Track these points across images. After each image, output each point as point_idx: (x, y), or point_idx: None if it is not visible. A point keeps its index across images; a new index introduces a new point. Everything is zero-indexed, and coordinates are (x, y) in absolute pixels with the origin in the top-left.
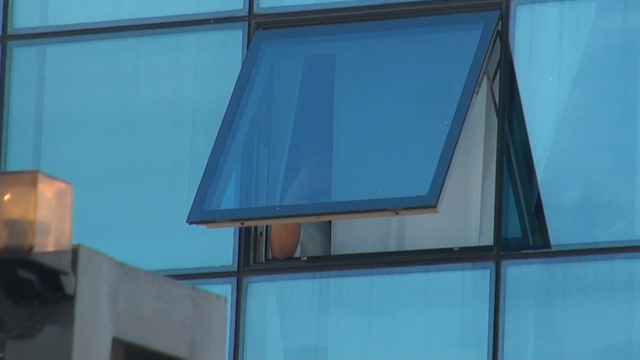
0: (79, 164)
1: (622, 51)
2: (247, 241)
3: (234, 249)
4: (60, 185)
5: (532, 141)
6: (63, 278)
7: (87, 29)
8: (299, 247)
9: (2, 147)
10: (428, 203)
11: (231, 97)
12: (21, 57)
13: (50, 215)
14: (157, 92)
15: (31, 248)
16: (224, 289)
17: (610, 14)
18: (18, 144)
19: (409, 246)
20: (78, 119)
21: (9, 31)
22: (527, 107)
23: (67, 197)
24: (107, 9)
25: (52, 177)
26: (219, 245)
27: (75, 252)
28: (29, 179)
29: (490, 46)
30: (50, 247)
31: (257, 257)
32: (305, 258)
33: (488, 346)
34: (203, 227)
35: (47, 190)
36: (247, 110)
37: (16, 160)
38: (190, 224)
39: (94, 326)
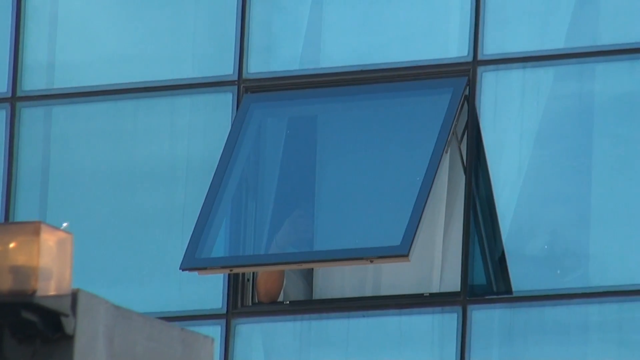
0: (81, 215)
1: (578, 114)
2: (235, 286)
3: (223, 293)
4: (61, 234)
5: (496, 196)
6: (63, 319)
7: (90, 92)
8: (282, 292)
9: (11, 200)
10: (401, 252)
11: (221, 155)
12: (29, 117)
13: (51, 262)
14: (153, 150)
15: (34, 292)
16: (214, 330)
17: (566, 81)
18: (26, 197)
19: (383, 292)
20: (81, 174)
21: (18, 93)
22: (492, 165)
23: (67, 246)
24: (108, 73)
25: (54, 227)
26: (209, 290)
27: (74, 295)
28: (32, 228)
29: (459, 109)
30: (52, 291)
31: (244, 301)
32: (288, 302)
33: None
34: (195, 273)
35: (49, 239)
36: (236, 166)
37: (24, 211)
38: (183, 270)
39: None
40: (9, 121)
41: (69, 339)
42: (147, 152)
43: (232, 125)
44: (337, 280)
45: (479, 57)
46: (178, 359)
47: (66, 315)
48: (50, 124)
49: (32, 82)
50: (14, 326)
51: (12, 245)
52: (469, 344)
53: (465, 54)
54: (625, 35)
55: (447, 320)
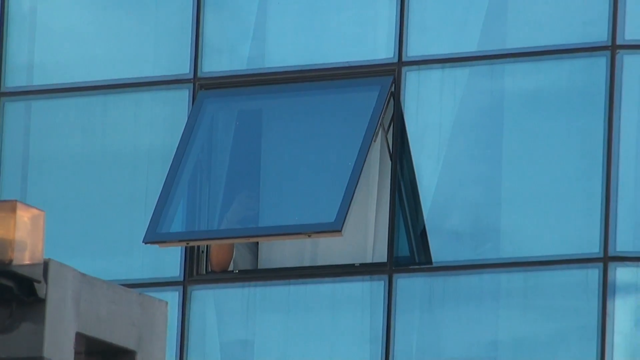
0: (56, 196)
1: (489, 108)
2: (191, 257)
3: (180, 263)
4: (34, 211)
5: (418, 179)
6: (36, 285)
7: (64, 89)
8: (232, 262)
9: None
10: (335, 228)
11: (179, 143)
12: (11, 111)
13: (26, 235)
14: (119, 140)
15: (11, 261)
16: (173, 296)
17: (479, 80)
18: (9, 180)
19: (320, 262)
20: (56, 161)
21: (2, 89)
22: (415, 152)
23: (40, 221)
24: (80, 73)
25: (28, 205)
26: (168, 261)
27: (46, 264)
28: (9, 206)
29: (386, 104)
30: (26, 261)
31: (199, 270)
32: (237, 271)
33: (382, 343)
34: (156, 246)
35: (24, 215)
36: (191, 154)
37: (7, 192)
38: (145, 243)
39: (60, 323)
40: None
41: (41, 302)
42: (114, 142)
43: (188, 118)
44: (279, 252)
45: (403, 59)
46: (136, 320)
47: (38, 282)
48: (30, 116)
49: (14, 80)
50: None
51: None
52: (394, 308)
53: (392, 56)
54: (530, 40)
55: (375, 288)
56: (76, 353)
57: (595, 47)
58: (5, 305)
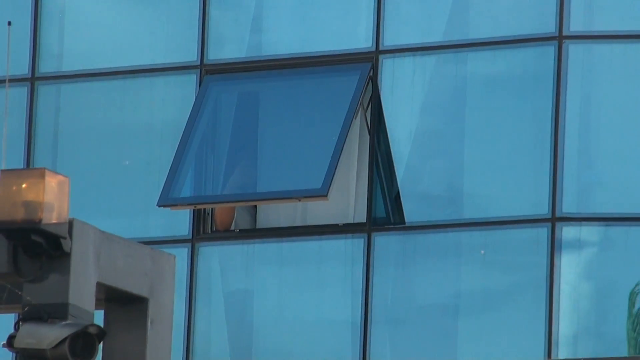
0: (82, 165)
1: (454, 90)
2: (198, 218)
3: (189, 224)
4: (60, 177)
5: (393, 150)
6: (62, 241)
7: (89, 74)
8: (233, 222)
9: (31, 154)
10: (321, 193)
11: (187, 121)
12: (44, 93)
13: (53, 198)
14: (136, 117)
15: (40, 220)
16: (182, 252)
17: (445, 65)
18: (42, 152)
19: (308, 222)
20: (82, 135)
21: (36, 75)
22: (390, 128)
23: (65, 186)
24: (103, 60)
25: (55, 172)
26: (179, 221)
27: (70, 223)
28: (38, 173)
29: (365, 87)
30: (54, 220)
31: (205, 229)
32: (238, 230)
33: (362, 292)
34: (168, 209)
35: (51, 180)
36: (198, 129)
37: (40, 162)
38: (159, 206)
39: (83, 274)
40: (29, 96)
41: (66, 255)
42: (132, 119)
43: (195, 99)
44: (274, 214)
45: (380, 48)
46: (149, 271)
47: (64, 238)
48: (60, 98)
49: (46, 66)
50: (25, 246)
51: (24, 185)
52: (372, 262)
53: (370, 45)
54: (489, 31)
55: (356, 244)
56: (96, 299)
57: (544, 38)
58: (36, 259)
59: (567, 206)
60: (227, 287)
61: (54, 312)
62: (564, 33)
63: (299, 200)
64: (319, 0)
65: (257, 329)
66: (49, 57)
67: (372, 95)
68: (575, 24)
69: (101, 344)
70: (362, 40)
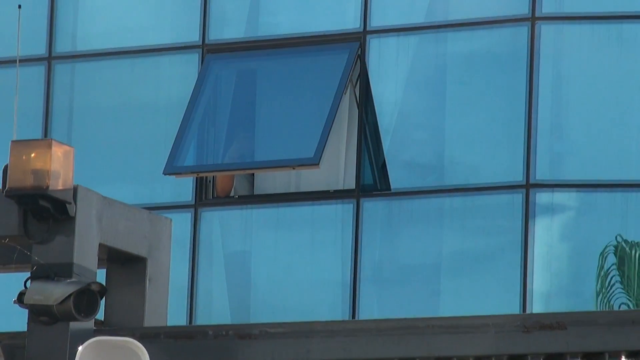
0: (95, 137)
1: (435, 67)
2: (200, 186)
3: (192, 190)
4: (66, 147)
5: (379, 122)
6: (67, 206)
7: (101, 53)
8: (233, 189)
9: (48, 127)
10: (313, 162)
11: (191, 96)
12: (60, 71)
13: (59, 166)
14: (143, 93)
15: (48, 187)
16: (186, 216)
17: (427, 45)
18: (58, 125)
19: (302, 189)
20: (95, 110)
21: (53, 54)
22: (376, 102)
23: (70, 155)
24: (113, 40)
25: (62, 143)
26: (183, 188)
27: (75, 189)
28: (45, 143)
29: (353, 64)
30: (60, 187)
31: (207, 196)
32: (237, 196)
33: (351, 254)
34: (173, 177)
35: (57, 150)
36: (200, 104)
37: (56, 135)
38: (165, 174)
39: (86, 236)
40: (46, 74)
41: (71, 219)
42: (140, 95)
43: (198, 76)
44: (270, 181)
45: (368, 29)
46: (147, 233)
47: (69, 203)
48: (74, 75)
49: (62, 46)
50: (34, 211)
51: (32, 155)
52: (361, 226)
53: (358, 26)
54: (467, 13)
55: (345, 210)
56: (99, 259)
57: (518, 19)
58: (43, 222)
59: (540, 174)
60: (227, 249)
61: (60, 271)
62: (537, 15)
63: (293, 169)
64: None
65: (255, 287)
66: (64, 37)
67: (360, 72)
68: (546, 6)
69: (103, 300)
70: (351, 22)
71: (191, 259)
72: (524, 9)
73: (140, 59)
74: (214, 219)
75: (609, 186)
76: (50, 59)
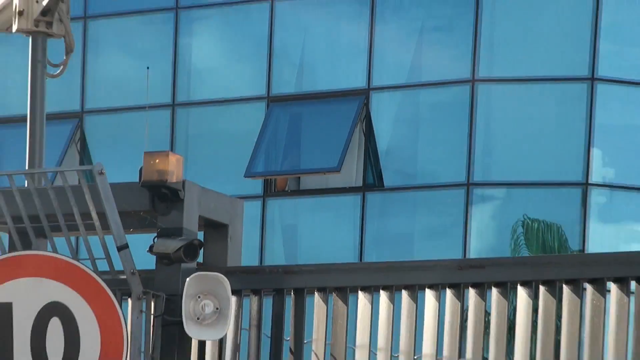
0: (203, 153)
1: (412, 112)
2: (267, 184)
3: (262, 187)
4: (178, 156)
5: (378, 146)
6: (179, 192)
7: (205, 102)
8: (287, 186)
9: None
10: (336, 169)
11: (260, 128)
12: (180, 115)
13: (174, 168)
14: (232, 127)
15: (166, 180)
16: (257, 204)
17: (407, 97)
18: (179, 145)
19: (330, 186)
20: (201, 137)
21: (175, 102)
22: (376, 133)
23: (181, 161)
24: (213, 92)
25: (175, 154)
26: (256, 185)
27: (184, 182)
28: (165, 153)
29: (362, 109)
30: (174, 180)
31: (271, 190)
32: (290, 190)
33: (359, 228)
34: (250, 179)
35: (172, 158)
36: (266, 133)
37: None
38: (245, 177)
39: (191, 210)
40: (171, 116)
41: (181, 200)
42: (229, 128)
43: (265, 116)
44: (310, 181)
45: (371, 87)
46: (228, 209)
47: (180, 191)
48: (189, 117)
49: (181, 96)
50: (159, 195)
51: (157, 160)
52: (365, 210)
53: (365, 85)
54: (435, 75)
55: (356, 200)
56: (198, 225)
57: (462, 81)
58: (164, 202)
59: (477, 176)
60: (283, 223)
61: (174, 232)
62: (476, 77)
63: (324, 174)
64: (337, 57)
65: (299, 247)
66: (183, 90)
67: (365, 114)
68: (483, 71)
69: (201, 251)
70: (360, 82)
71: (261, 230)
72: (466, 73)
73: (229, 105)
74: (275, 205)
75: (519, 184)
76: (174, 105)
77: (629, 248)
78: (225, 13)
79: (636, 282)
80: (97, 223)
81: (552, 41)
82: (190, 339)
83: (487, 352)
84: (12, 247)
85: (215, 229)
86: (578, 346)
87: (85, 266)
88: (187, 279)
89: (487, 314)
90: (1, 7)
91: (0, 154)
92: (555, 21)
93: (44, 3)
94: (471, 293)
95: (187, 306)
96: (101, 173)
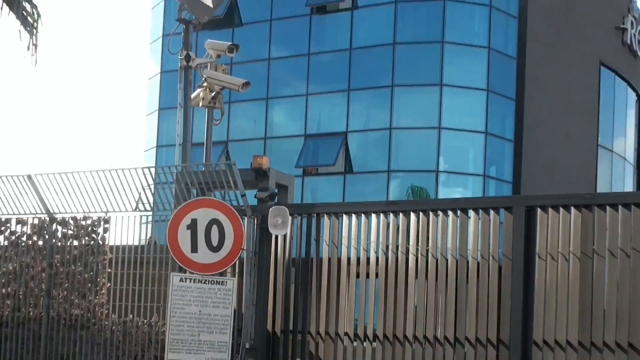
0: (281, 155)
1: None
2: (304, 171)
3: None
4: (266, 157)
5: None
6: (267, 171)
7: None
8: (315, 169)
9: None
10: (332, 164)
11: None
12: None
13: (264, 162)
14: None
15: (262, 167)
16: (299, 180)
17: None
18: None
19: (332, 171)
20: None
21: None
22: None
23: (267, 159)
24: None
25: (265, 156)
26: (297, 170)
27: (269, 168)
28: (261, 157)
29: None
30: (265, 167)
31: (309, 171)
32: (317, 172)
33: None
34: (300, 169)
35: (265, 158)
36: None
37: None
38: (295, 167)
39: (272, 180)
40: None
41: (267, 176)
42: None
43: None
44: (322, 170)
45: (348, 130)
46: (289, 182)
47: (268, 170)
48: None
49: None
50: (257, 174)
51: (257, 159)
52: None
53: (344, 129)
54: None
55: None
56: (276, 186)
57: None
58: (261, 178)
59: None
60: (312, 196)
61: (265, 189)
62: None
63: (328, 166)
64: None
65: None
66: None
67: (346, 143)
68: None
69: (276, 198)
70: (342, 126)
71: (301, 190)
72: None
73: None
74: (311, 183)
75: (418, 171)
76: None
77: None
78: None
79: None
80: (232, 185)
81: None
82: (271, 235)
83: None
84: (198, 196)
85: (282, 187)
86: None
87: (227, 202)
88: (270, 208)
89: None
90: (195, 96)
91: None
92: None
93: (212, 95)
94: None
95: (271, 220)
96: (234, 164)
